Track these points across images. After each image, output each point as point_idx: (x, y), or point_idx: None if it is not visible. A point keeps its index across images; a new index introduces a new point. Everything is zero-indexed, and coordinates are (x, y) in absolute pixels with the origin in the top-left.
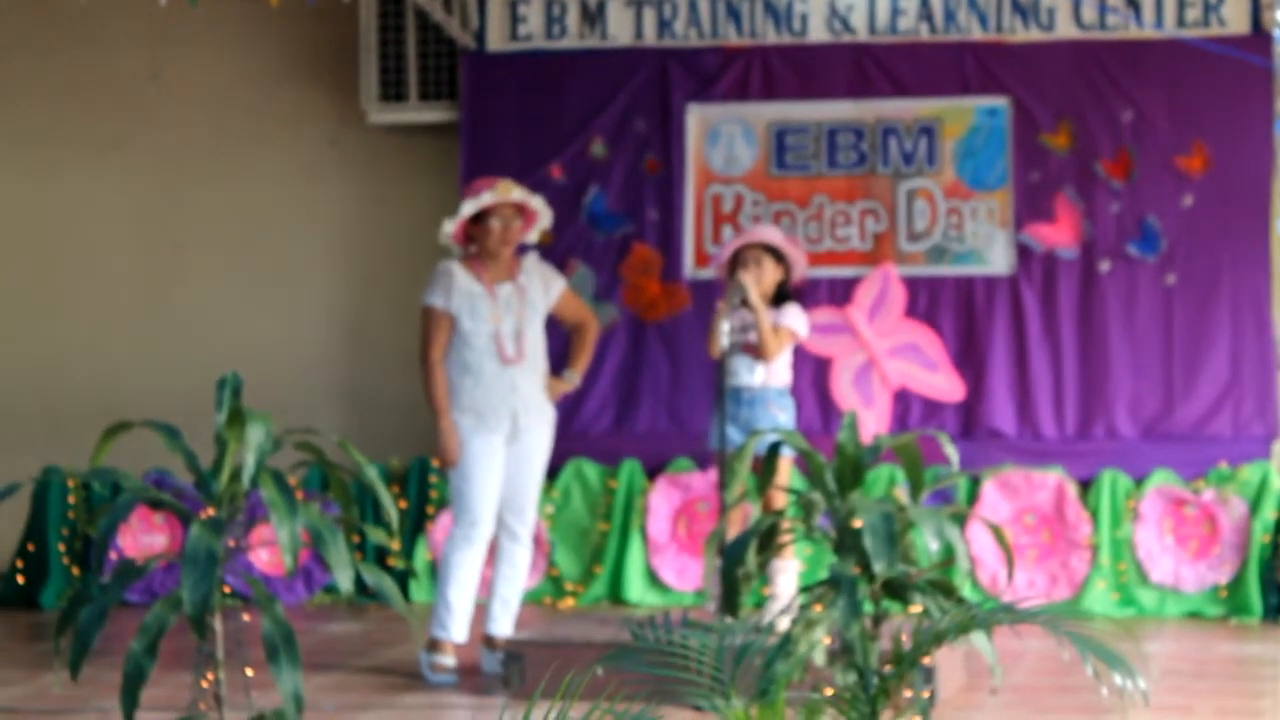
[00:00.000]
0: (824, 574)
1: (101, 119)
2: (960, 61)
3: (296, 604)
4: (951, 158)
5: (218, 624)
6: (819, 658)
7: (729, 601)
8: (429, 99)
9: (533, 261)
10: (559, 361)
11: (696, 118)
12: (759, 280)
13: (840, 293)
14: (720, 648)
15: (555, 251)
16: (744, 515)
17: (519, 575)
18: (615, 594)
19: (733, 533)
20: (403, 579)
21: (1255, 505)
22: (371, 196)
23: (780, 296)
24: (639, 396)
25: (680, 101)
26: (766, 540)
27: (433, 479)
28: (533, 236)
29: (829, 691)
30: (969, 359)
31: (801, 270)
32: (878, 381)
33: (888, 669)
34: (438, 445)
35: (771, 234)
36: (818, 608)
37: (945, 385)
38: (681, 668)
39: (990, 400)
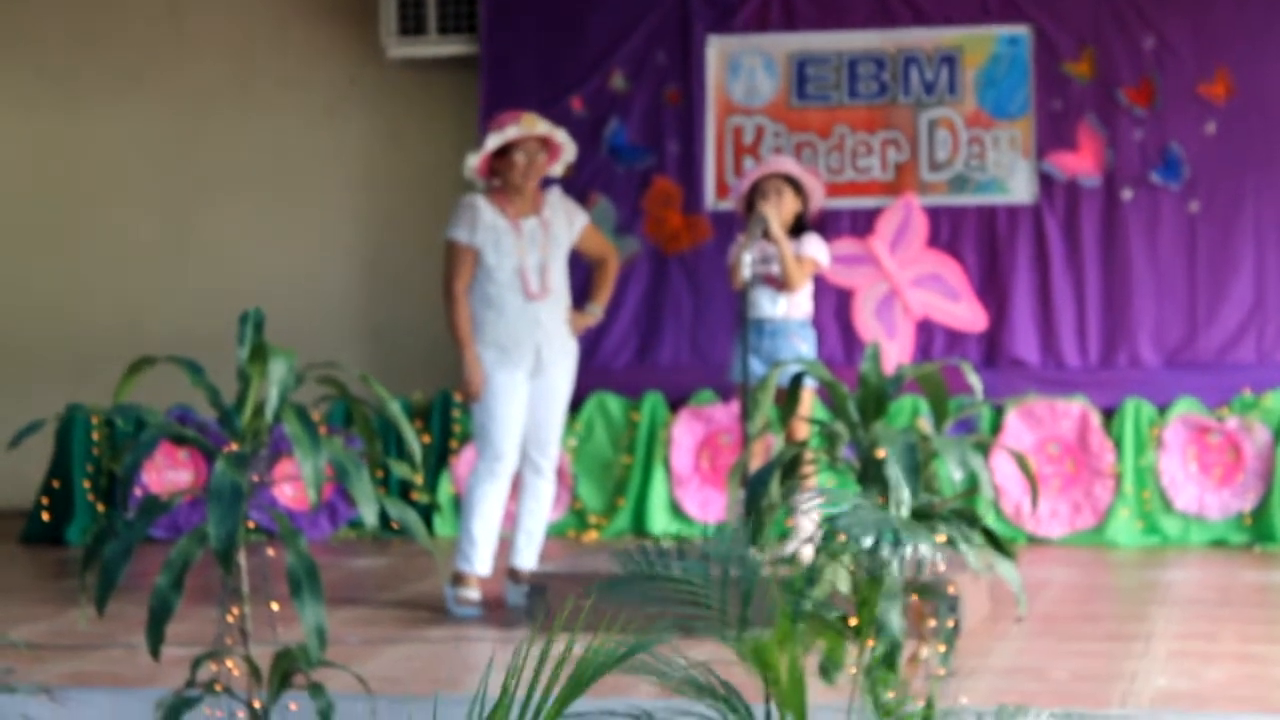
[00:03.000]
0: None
1: (121, 57)
2: None
3: (321, 539)
4: (973, 87)
5: (242, 559)
6: (843, 588)
7: (753, 533)
8: (448, 33)
9: (556, 196)
10: (581, 296)
11: (717, 49)
12: (779, 211)
13: (862, 223)
14: (723, 579)
15: (576, 184)
16: (767, 447)
17: (543, 508)
18: (638, 526)
19: (756, 464)
20: (426, 513)
21: (1279, 432)
22: (392, 132)
23: (798, 227)
24: (661, 329)
25: (700, 33)
26: (790, 471)
27: (455, 413)
28: (558, 170)
29: (852, 622)
30: (991, 288)
31: (819, 200)
32: (900, 312)
33: (912, 598)
34: (461, 379)
35: (789, 164)
36: (841, 538)
37: (968, 315)
38: (686, 601)
39: (1013, 330)
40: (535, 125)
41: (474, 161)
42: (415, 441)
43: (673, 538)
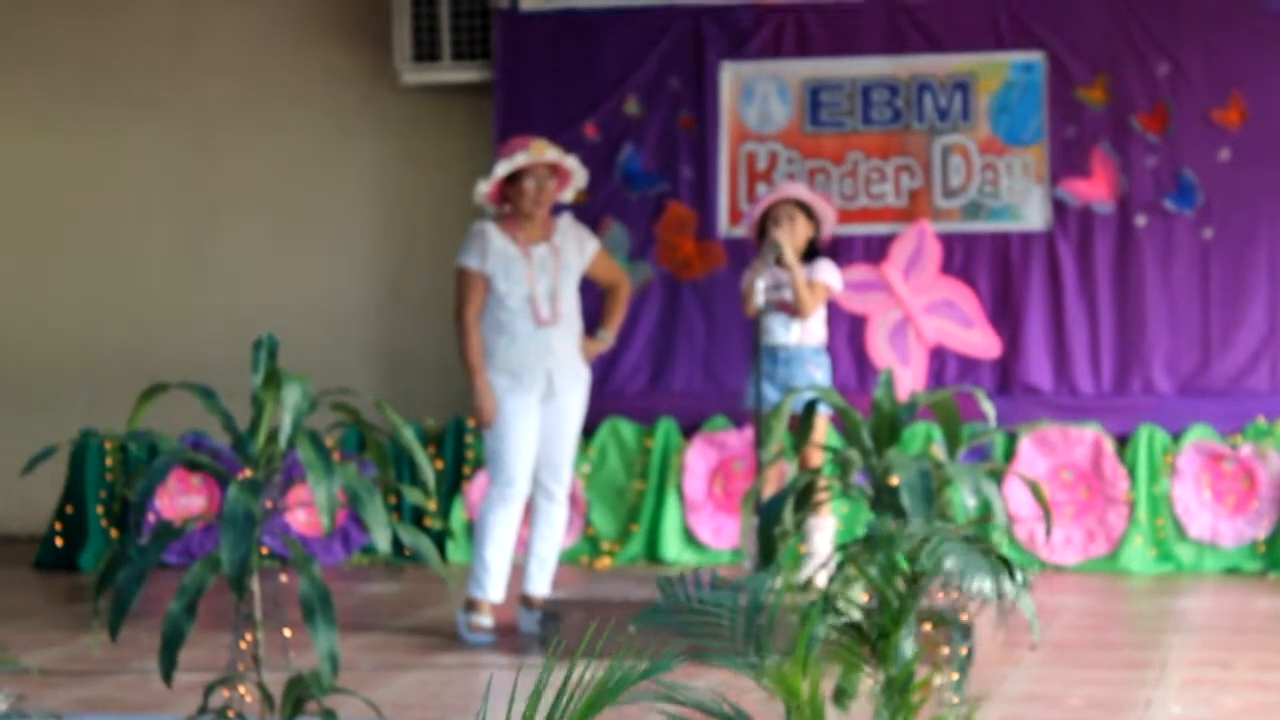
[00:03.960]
0: (861, 531)
1: (134, 80)
2: (994, 16)
3: (334, 565)
4: (986, 113)
5: (255, 585)
6: (856, 615)
7: (766, 559)
8: (462, 59)
9: (567, 222)
10: (592, 322)
11: (730, 75)
12: (792, 237)
13: (875, 250)
14: (750, 606)
15: (590, 210)
16: (780, 473)
17: (555, 534)
18: (652, 553)
19: (769, 491)
20: (440, 539)
21: None
22: (405, 157)
23: (810, 253)
24: (674, 355)
25: (714, 59)
26: (803, 498)
27: (469, 439)
28: (568, 195)
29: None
30: (1005, 315)
31: (830, 226)
32: (914, 338)
33: (926, 626)
34: (473, 405)
35: (801, 190)
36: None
37: (981, 342)
38: (712, 630)
39: (1026, 356)
40: (544, 152)
41: (484, 188)
42: (428, 467)
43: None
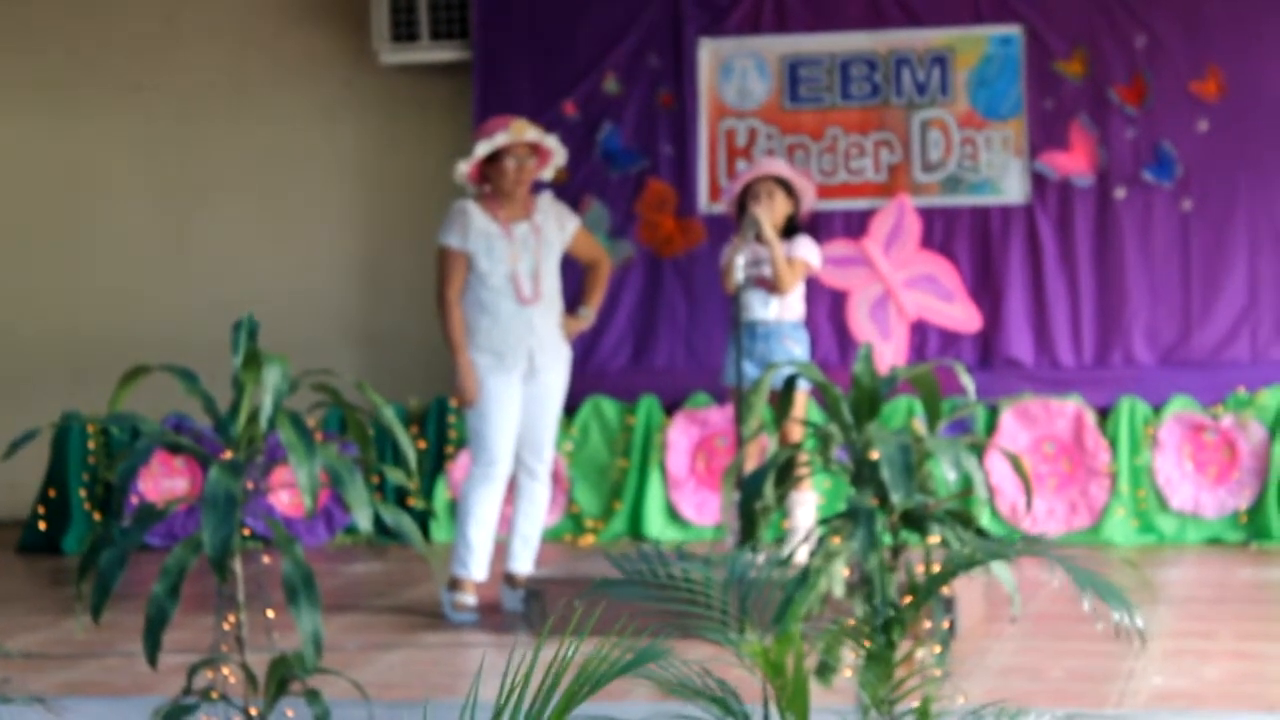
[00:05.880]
0: (842, 506)
1: (117, 64)
2: None
3: (317, 545)
4: (965, 87)
5: (238, 566)
6: (838, 590)
7: (747, 535)
8: (441, 38)
9: (547, 200)
10: (573, 300)
11: (709, 51)
12: (771, 213)
13: (855, 225)
14: (733, 580)
15: (570, 189)
16: (761, 449)
17: (538, 513)
18: (635, 530)
19: (750, 466)
20: (422, 519)
21: (1274, 430)
22: (386, 137)
23: (789, 229)
24: (656, 333)
25: (692, 35)
26: (784, 473)
27: (451, 419)
28: (548, 174)
29: (849, 623)
30: (985, 289)
31: (810, 202)
32: (895, 313)
33: (906, 600)
34: (455, 385)
35: (780, 166)
36: (836, 540)
37: (962, 315)
38: (691, 603)
39: (1007, 330)
40: (524, 131)
41: (464, 168)
42: (410, 448)
43: (673, 547)
